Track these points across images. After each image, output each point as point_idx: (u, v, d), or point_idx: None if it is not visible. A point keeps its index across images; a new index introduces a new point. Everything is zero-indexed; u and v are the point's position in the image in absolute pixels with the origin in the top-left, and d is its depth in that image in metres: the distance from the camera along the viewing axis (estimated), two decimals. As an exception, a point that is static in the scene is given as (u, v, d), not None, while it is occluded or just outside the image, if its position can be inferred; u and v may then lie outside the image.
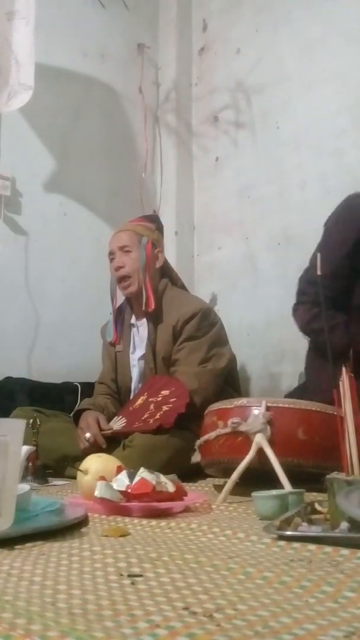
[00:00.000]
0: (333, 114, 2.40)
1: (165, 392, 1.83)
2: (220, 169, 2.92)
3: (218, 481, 1.62)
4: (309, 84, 2.52)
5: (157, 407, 1.80)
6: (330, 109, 2.42)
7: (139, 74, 2.99)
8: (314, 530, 0.92)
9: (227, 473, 1.41)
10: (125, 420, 1.85)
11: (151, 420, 1.76)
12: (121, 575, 0.72)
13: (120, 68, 2.97)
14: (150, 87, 3.07)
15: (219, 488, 1.46)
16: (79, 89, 2.79)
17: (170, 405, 1.77)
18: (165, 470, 1.32)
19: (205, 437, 1.49)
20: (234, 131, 2.86)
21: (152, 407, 1.81)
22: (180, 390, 1.80)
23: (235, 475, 1.33)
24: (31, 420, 1.71)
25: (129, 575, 0.72)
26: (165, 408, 1.77)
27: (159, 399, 1.82)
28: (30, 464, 1.62)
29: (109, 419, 1.92)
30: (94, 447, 1.75)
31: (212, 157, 2.96)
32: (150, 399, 1.84)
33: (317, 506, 1.12)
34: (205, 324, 1.99)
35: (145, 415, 1.80)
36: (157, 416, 1.76)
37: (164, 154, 3.05)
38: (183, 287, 2.22)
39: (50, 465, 1.85)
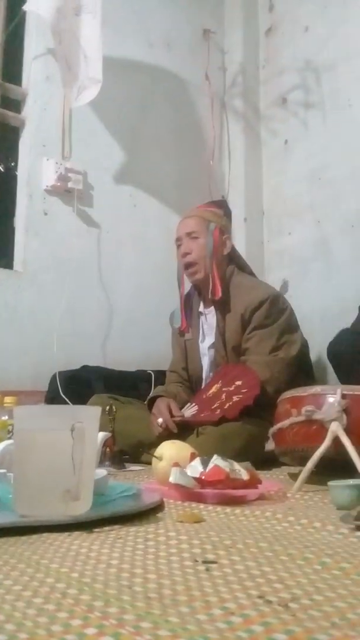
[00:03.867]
0: None
1: (238, 383, 1.81)
2: (290, 152, 2.86)
3: (293, 469, 1.60)
4: (382, 58, 2.42)
5: (228, 397, 1.79)
6: None
7: (205, 60, 2.97)
8: (394, 522, 0.89)
9: (302, 461, 1.39)
10: (197, 408, 1.86)
11: (218, 411, 1.76)
12: (196, 561, 0.73)
13: (187, 56, 2.96)
14: (216, 72, 3.04)
15: (294, 476, 1.44)
16: (145, 79, 2.81)
17: (241, 396, 1.76)
18: (238, 458, 1.32)
19: (279, 425, 1.47)
20: (303, 112, 2.79)
21: (223, 396, 1.81)
22: (252, 381, 1.79)
23: (310, 464, 1.31)
24: (107, 407, 1.75)
25: (204, 562, 0.72)
26: (235, 398, 1.77)
27: (232, 388, 1.81)
28: (107, 449, 1.66)
29: (182, 406, 1.94)
30: (167, 433, 1.77)
31: (281, 140, 2.90)
32: (223, 388, 1.84)
33: None
34: (274, 311, 1.95)
35: (216, 404, 1.80)
36: (226, 406, 1.75)
37: (232, 140, 3.02)
38: (251, 274, 2.19)
39: (127, 450, 1.89)
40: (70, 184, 2.48)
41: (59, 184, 2.46)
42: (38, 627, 0.52)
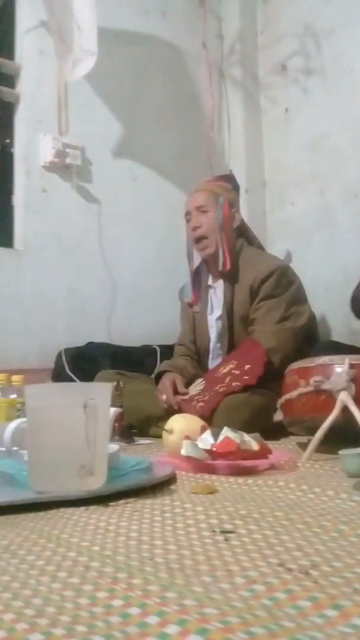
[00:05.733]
0: None
1: (248, 366, 1.81)
2: (290, 120, 2.82)
3: (301, 439, 1.61)
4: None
5: (234, 379, 1.79)
6: None
7: (201, 28, 2.91)
8: None
9: (311, 431, 1.40)
10: (204, 384, 1.87)
11: (222, 389, 1.76)
12: (214, 531, 0.74)
13: (183, 24, 2.90)
14: (214, 40, 2.98)
15: (302, 446, 1.45)
16: (141, 49, 2.75)
17: (246, 377, 1.76)
18: (247, 429, 1.33)
19: (287, 395, 1.48)
20: (303, 79, 2.74)
21: (228, 379, 1.80)
22: (258, 360, 1.78)
23: (319, 433, 1.32)
24: (115, 383, 1.76)
25: (222, 532, 0.73)
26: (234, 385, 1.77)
27: (238, 372, 1.80)
28: (116, 424, 1.67)
29: (189, 380, 1.95)
30: (171, 410, 1.78)
31: (281, 109, 2.86)
32: (234, 370, 1.83)
33: None
34: (283, 282, 1.96)
35: (222, 385, 1.79)
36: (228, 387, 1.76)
37: (231, 109, 2.97)
38: (260, 247, 2.18)
39: (135, 425, 1.90)
40: (68, 160, 2.45)
41: (56, 160, 2.43)
42: (65, 600, 0.53)
